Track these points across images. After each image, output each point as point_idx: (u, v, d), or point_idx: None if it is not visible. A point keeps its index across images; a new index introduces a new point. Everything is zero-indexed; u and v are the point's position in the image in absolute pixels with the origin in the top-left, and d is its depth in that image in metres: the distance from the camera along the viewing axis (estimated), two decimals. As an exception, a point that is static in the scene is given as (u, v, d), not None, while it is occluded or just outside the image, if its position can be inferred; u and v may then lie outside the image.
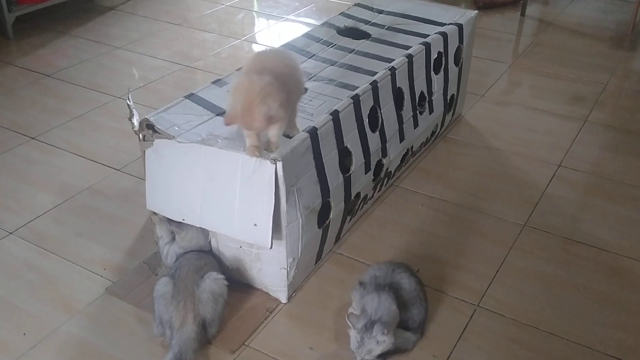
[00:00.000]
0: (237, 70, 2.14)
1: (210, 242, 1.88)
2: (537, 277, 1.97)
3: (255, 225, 1.69)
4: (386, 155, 2.18)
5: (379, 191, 2.29)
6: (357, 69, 2.22)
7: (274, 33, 3.87)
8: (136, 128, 1.79)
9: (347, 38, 2.47)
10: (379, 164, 2.16)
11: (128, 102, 1.82)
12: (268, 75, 1.62)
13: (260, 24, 4.02)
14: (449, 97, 2.59)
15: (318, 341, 1.75)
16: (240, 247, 1.82)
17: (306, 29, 2.54)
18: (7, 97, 3.04)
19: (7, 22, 3.57)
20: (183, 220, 1.80)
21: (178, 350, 1.63)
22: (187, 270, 1.74)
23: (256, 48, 3.62)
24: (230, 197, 1.70)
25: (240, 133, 1.71)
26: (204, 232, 1.86)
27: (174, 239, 1.87)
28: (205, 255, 1.85)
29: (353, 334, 1.61)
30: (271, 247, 1.69)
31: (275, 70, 1.67)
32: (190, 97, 1.96)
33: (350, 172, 1.97)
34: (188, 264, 1.77)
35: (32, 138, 2.69)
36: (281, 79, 1.65)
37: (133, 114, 1.81)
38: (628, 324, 1.82)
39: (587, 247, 2.10)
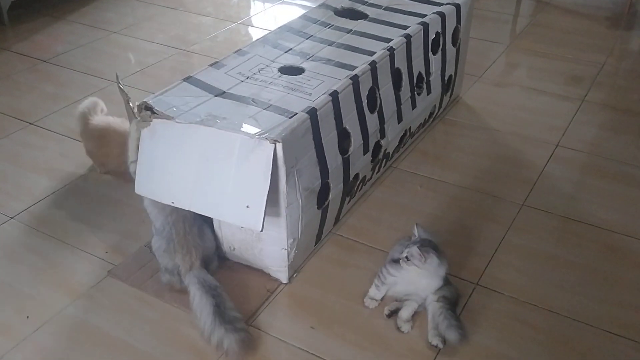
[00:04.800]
0: (235, 52, 2.14)
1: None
2: (535, 256, 1.99)
3: (247, 207, 1.65)
4: (384, 137, 2.18)
5: (377, 173, 2.29)
6: (354, 49, 2.21)
7: (270, 16, 3.85)
8: (135, 110, 1.79)
9: (345, 19, 2.46)
10: (378, 145, 2.16)
11: (120, 86, 1.82)
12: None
13: (256, 7, 4.00)
14: (446, 78, 2.59)
15: (319, 320, 1.77)
16: (242, 227, 1.83)
17: (302, 11, 2.53)
18: (4, 82, 3.03)
19: (3, 7, 3.55)
20: (172, 203, 1.76)
21: (197, 280, 1.75)
22: (184, 225, 1.84)
23: (252, 31, 3.61)
24: (224, 179, 1.68)
25: (237, 112, 1.71)
26: None
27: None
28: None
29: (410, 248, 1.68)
30: (262, 230, 1.65)
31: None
32: (189, 79, 1.95)
33: (349, 153, 1.98)
34: (182, 219, 1.85)
35: (31, 123, 2.69)
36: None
37: (129, 97, 1.81)
38: (626, 300, 1.83)
39: (585, 226, 2.11)
